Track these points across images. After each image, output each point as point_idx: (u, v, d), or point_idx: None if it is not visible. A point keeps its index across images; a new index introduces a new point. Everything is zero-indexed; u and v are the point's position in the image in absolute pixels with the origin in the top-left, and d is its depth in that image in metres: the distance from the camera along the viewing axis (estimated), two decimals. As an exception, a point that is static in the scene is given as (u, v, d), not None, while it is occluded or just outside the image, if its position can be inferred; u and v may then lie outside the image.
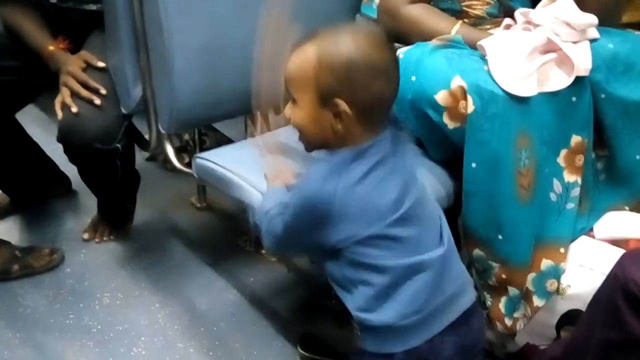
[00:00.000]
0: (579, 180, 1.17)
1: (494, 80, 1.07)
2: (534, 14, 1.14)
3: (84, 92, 1.35)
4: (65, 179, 1.87)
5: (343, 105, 0.86)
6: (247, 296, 1.55)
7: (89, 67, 1.40)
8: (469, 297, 0.95)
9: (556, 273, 1.17)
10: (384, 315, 0.89)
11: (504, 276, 1.16)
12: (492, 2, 1.30)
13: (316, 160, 0.92)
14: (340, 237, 0.87)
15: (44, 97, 1.70)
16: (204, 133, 1.94)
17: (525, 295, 1.18)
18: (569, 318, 1.19)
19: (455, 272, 0.95)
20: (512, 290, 1.17)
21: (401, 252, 0.89)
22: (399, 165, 0.91)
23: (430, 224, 0.94)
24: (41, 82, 1.56)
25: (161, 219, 1.84)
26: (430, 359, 0.91)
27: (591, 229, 1.21)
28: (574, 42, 1.11)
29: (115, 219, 1.73)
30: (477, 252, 1.17)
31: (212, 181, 1.27)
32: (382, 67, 0.87)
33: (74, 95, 1.36)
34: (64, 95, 1.35)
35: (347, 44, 0.87)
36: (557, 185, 1.16)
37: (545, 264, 1.17)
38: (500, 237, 1.13)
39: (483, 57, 1.12)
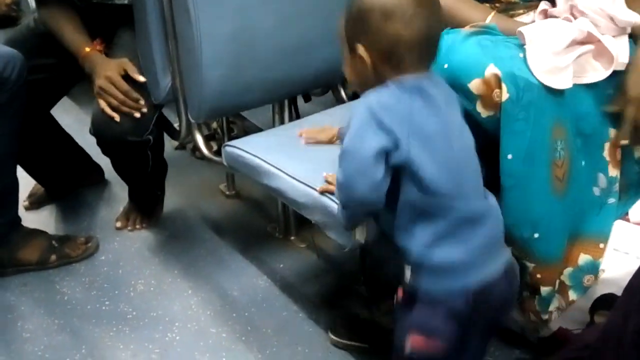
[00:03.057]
0: (619, 175, 1.14)
1: (529, 69, 1.05)
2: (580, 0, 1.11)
3: (125, 109, 1.36)
4: (98, 168, 1.90)
5: (361, 50, 0.90)
6: (277, 282, 1.56)
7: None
8: (509, 252, 0.99)
9: (594, 268, 1.16)
10: (446, 252, 0.91)
11: (538, 276, 1.15)
12: None
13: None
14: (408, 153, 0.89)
15: (76, 88, 1.73)
16: (231, 121, 1.96)
17: (561, 289, 1.18)
18: (603, 302, 1.18)
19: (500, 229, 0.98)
20: (545, 290, 1.16)
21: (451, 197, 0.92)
22: (441, 101, 0.93)
23: (473, 175, 0.96)
24: (73, 77, 1.58)
25: (191, 207, 1.87)
26: (479, 303, 0.92)
27: (626, 213, 1.19)
28: (613, 36, 1.08)
29: (146, 207, 1.76)
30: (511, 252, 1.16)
31: (241, 169, 1.29)
32: (393, 9, 0.88)
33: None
34: (103, 106, 1.36)
35: None
36: (602, 180, 1.14)
37: (584, 258, 1.16)
38: (536, 235, 1.11)
39: (519, 45, 1.10)
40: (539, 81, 1.04)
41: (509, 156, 1.07)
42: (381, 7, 0.88)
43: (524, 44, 1.08)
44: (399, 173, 0.91)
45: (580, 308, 1.20)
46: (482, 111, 1.08)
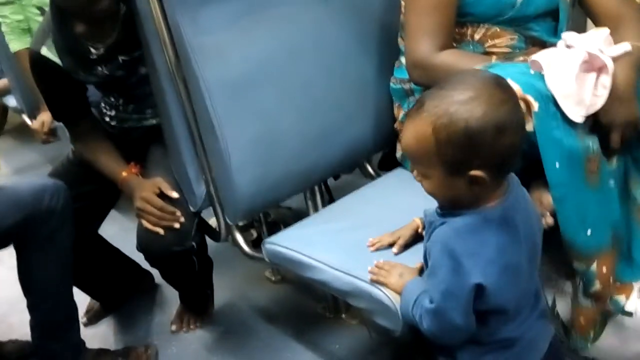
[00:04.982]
0: None
1: (541, 82, 1.07)
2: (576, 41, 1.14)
3: (164, 223, 1.42)
4: (147, 275, 1.97)
5: (477, 172, 0.84)
6: (335, 364, 1.58)
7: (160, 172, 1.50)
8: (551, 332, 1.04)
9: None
10: None
11: (604, 269, 1.15)
12: (516, 36, 1.32)
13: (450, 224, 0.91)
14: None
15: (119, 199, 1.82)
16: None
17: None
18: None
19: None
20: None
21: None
22: (524, 222, 0.92)
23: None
24: (114, 197, 1.68)
25: (240, 298, 1.91)
26: None
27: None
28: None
29: (197, 307, 1.81)
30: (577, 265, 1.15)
31: (283, 264, 1.33)
32: (505, 122, 0.83)
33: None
34: (145, 224, 1.43)
35: (459, 111, 0.82)
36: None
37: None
38: (589, 232, 1.11)
39: (527, 67, 1.12)
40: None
41: (557, 165, 1.06)
42: (493, 124, 0.82)
43: (540, 71, 1.09)
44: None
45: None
46: None
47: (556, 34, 1.33)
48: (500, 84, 0.87)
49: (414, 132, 0.86)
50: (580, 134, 1.09)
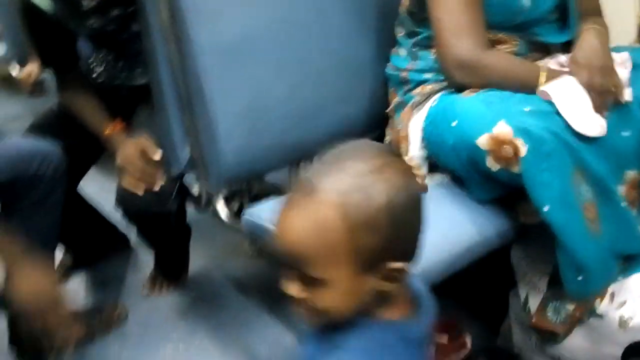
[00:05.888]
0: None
1: (537, 122, 1.08)
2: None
3: (144, 184, 1.41)
4: (123, 238, 1.95)
5: (398, 265, 0.65)
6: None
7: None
8: None
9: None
10: None
11: (578, 314, 1.19)
12: (517, 42, 1.31)
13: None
14: None
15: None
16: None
17: None
18: (635, 350, 1.17)
19: None
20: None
21: None
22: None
23: None
24: (96, 154, 1.65)
25: (215, 268, 1.90)
26: None
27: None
28: None
29: (171, 272, 1.80)
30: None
31: (262, 236, 1.32)
32: (419, 193, 0.67)
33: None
34: (125, 184, 1.42)
35: (375, 182, 0.63)
36: None
37: None
38: (580, 277, 1.12)
39: (525, 99, 1.13)
40: (550, 134, 1.06)
41: (546, 208, 1.07)
42: (415, 196, 0.65)
43: (550, 101, 1.11)
44: None
45: (612, 356, 1.19)
46: (492, 165, 1.11)
47: (565, 29, 1.34)
48: (392, 151, 0.77)
49: (308, 222, 0.62)
50: (577, 180, 1.08)
